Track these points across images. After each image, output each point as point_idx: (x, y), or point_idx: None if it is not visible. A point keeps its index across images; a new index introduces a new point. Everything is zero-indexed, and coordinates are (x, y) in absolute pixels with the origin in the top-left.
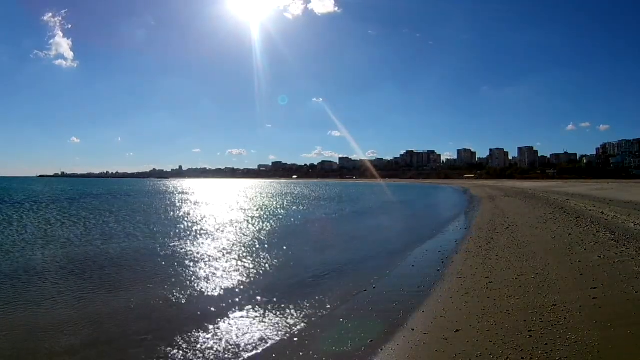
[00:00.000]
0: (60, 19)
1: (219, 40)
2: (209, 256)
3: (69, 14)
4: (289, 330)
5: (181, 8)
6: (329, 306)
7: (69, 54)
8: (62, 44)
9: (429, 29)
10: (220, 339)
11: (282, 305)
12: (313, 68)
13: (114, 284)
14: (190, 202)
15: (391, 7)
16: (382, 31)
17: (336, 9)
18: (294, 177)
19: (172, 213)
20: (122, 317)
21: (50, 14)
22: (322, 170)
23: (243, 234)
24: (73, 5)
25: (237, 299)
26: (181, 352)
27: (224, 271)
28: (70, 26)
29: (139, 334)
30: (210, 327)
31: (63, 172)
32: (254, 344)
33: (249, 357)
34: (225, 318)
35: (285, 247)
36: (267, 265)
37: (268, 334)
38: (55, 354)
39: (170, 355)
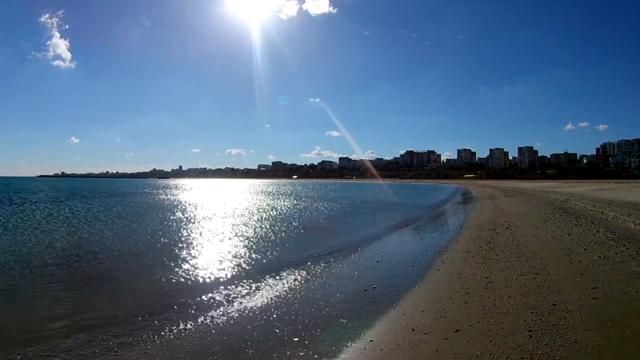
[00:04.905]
0: (57, 19)
1: (217, 40)
2: (208, 254)
3: (66, 15)
4: (288, 330)
5: (179, 8)
6: (329, 306)
7: (67, 55)
8: (60, 45)
9: (425, 29)
10: (219, 339)
11: (282, 305)
12: (311, 68)
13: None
14: (192, 203)
15: (387, 7)
16: (379, 31)
17: (331, 9)
18: (294, 177)
19: (173, 212)
20: (122, 298)
21: (48, 15)
22: (322, 170)
23: (243, 234)
24: (70, 5)
25: (235, 300)
26: (180, 350)
27: (222, 270)
28: (67, 27)
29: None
30: (208, 327)
31: (63, 172)
32: (253, 345)
33: (247, 358)
34: (224, 318)
35: (283, 246)
36: (266, 265)
37: (267, 334)
38: (50, 341)
39: (168, 348)
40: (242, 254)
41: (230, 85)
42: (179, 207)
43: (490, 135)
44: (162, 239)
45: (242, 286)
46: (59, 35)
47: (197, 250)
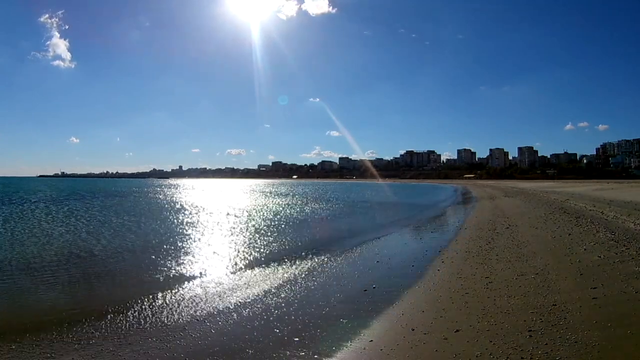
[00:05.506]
0: (57, 20)
1: (217, 40)
2: (207, 254)
3: (66, 15)
4: (288, 330)
5: (179, 8)
6: (329, 306)
7: (67, 55)
8: (60, 45)
9: (425, 29)
10: (219, 339)
11: (282, 305)
12: (311, 68)
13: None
14: (191, 203)
15: (387, 7)
16: (378, 31)
17: (330, 9)
18: (294, 177)
19: (171, 211)
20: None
21: (47, 15)
22: (322, 170)
23: (242, 234)
24: (70, 5)
25: (235, 299)
26: (180, 350)
27: (221, 270)
28: (67, 27)
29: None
30: (208, 327)
31: (63, 172)
32: (253, 345)
33: (247, 358)
34: (224, 318)
35: (283, 246)
36: (265, 265)
37: (267, 334)
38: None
39: (168, 348)
40: (241, 254)
41: (230, 85)
42: (178, 206)
43: (490, 135)
44: (159, 238)
45: (242, 286)
46: (58, 35)
47: (195, 249)
